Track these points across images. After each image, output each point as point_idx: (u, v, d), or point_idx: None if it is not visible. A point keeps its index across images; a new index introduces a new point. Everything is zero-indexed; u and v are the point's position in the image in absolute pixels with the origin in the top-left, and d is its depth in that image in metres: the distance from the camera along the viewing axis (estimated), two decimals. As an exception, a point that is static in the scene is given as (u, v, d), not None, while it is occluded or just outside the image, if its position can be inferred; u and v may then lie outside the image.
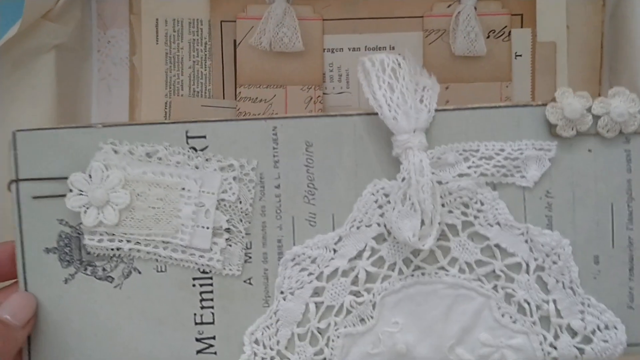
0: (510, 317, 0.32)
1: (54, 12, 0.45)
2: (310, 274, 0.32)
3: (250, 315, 0.32)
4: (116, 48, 0.52)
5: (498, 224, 0.32)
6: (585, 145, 0.32)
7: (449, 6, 0.41)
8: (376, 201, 0.32)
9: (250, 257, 0.32)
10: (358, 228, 0.32)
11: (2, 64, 0.40)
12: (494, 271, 0.32)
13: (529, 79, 0.42)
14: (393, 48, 0.41)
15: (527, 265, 0.32)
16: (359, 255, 0.32)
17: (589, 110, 0.31)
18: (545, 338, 0.32)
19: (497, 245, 0.32)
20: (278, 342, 0.32)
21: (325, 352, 0.32)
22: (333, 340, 0.32)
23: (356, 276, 0.32)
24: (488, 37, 0.41)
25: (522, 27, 0.42)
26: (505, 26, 0.42)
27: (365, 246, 0.32)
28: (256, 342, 0.32)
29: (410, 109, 0.31)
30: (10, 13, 0.38)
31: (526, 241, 0.32)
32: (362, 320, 0.32)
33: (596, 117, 0.31)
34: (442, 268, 0.32)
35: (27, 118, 0.39)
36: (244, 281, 0.32)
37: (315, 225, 0.32)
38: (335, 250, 0.32)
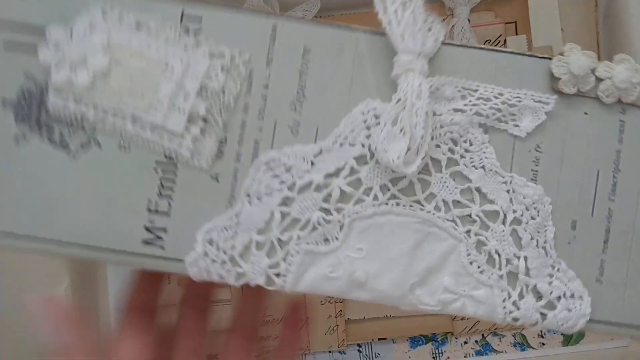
0: (478, 267, 0.31)
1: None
2: (282, 182, 0.30)
3: (209, 214, 0.30)
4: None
5: (483, 167, 0.31)
6: (582, 107, 0.31)
7: (442, 20, 0.41)
8: (365, 121, 0.31)
9: (222, 153, 0.30)
10: (341, 145, 0.31)
11: None
12: (470, 215, 0.31)
13: None
14: None
15: (505, 215, 0.31)
16: (336, 173, 0.30)
17: (593, 71, 0.31)
18: (509, 295, 0.31)
19: (478, 189, 0.31)
20: (233, 247, 0.30)
21: (281, 267, 0.30)
22: (292, 255, 0.30)
23: (329, 194, 0.30)
24: None
25: (516, 34, 0.43)
26: (500, 35, 0.43)
27: (345, 164, 0.30)
28: (210, 242, 0.30)
29: (419, 31, 0.30)
30: None
31: (508, 191, 0.31)
32: (326, 240, 0.30)
33: (598, 80, 0.31)
34: (418, 202, 0.31)
35: None
36: (211, 176, 0.30)
37: (297, 134, 0.31)
38: (313, 163, 0.30)
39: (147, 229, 0.30)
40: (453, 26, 0.41)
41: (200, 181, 0.30)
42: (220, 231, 0.30)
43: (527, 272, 0.31)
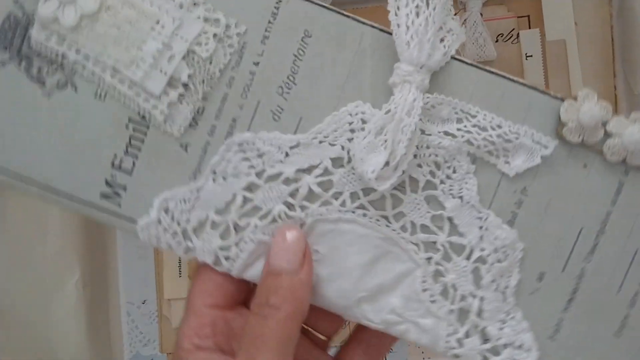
0: (431, 296, 0.30)
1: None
2: (251, 166, 0.29)
3: (171, 182, 0.29)
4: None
5: (461, 198, 0.29)
6: (583, 159, 0.29)
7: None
8: (350, 123, 0.29)
9: (196, 123, 0.29)
10: (320, 142, 0.29)
11: None
12: (435, 243, 0.29)
13: (542, 79, 0.42)
14: None
15: (471, 252, 0.29)
16: (308, 170, 0.29)
17: (604, 124, 0.29)
18: (455, 331, 0.30)
19: (450, 219, 0.29)
20: (188, 220, 0.29)
21: (231, 251, 0.29)
22: (245, 242, 0.29)
23: (297, 189, 0.29)
24: (497, 41, 0.42)
25: (529, 28, 0.43)
26: (513, 29, 0.42)
27: (320, 163, 0.29)
28: (166, 210, 0.29)
29: (428, 41, 0.28)
30: None
31: (481, 227, 0.29)
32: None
33: (607, 135, 0.29)
34: (386, 218, 0.29)
35: None
36: (180, 145, 0.29)
37: (278, 120, 0.29)
38: (287, 155, 0.29)
39: (107, 183, 0.29)
40: (465, 20, 0.40)
41: (168, 147, 0.29)
42: (178, 202, 0.29)
43: (480, 313, 0.30)
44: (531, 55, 0.43)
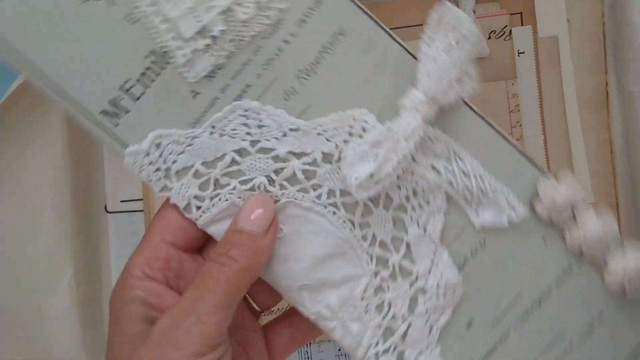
0: (367, 305, 0.31)
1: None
2: (248, 133, 0.30)
3: (171, 122, 0.30)
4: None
5: (424, 229, 0.31)
6: (544, 232, 0.31)
7: None
8: (351, 126, 0.30)
9: (212, 77, 0.30)
10: (318, 134, 0.30)
11: (10, 115, 0.38)
12: (387, 260, 0.31)
13: (534, 75, 0.43)
14: None
15: (416, 279, 0.31)
16: (299, 155, 0.31)
17: (573, 209, 0.30)
18: (376, 344, 0.32)
19: (408, 244, 0.31)
20: (175, 162, 0.30)
21: (204, 202, 0.31)
22: (220, 200, 0.31)
23: (282, 168, 0.31)
24: (489, 38, 0.42)
25: (522, 25, 0.43)
26: (506, 26, 0.43)
27: (311, 153, 0.31)
28: (158, 145, 0.30)
29: (447, 81, 0.29)
30: None
31: (432, 261, 0.31)
32: None
33: (574, 219, 0.31)
34: (352, 222, 0.31)
35: (44, 163, 0.39)
36: (192, 91, 0.30)
37: (287, 100, 0.30)
38: (285, 135, 0.30)
39: (112, 102, 0.30)
40: None
41: (179, 89, 0.30)
42: (171, 142, 0.30)
43: (403, 337, 0.32)
44: (523, 52, 0.43)
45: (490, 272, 0.31)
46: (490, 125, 0.31)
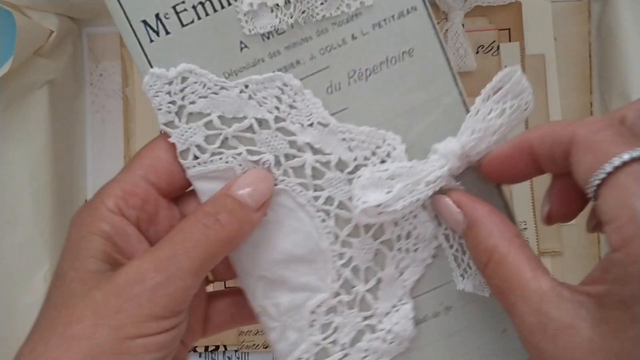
0: (313, 320, 0.30)
1: (45, 48, 0.45)
2: (277, 108, 0.29)
3: (207, 63, 0.28)
4: (109, 81, 0.53)
5: (401, 273, 0.30)
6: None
7: (437, 23, 0.41)
8: (378, 147, 0.29)
9: (267, 39, 0.28)
10: (343, 140, 0.29)
11: None
12: (354, 287, 0.30)
13: None
14: None
15: (371, 316, 0.31)
16: (315, 152, 0.29)
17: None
18: None
19: (379, 280, 0.30)
20: (192, 103, 0.28)
21: (204, 156, 0.29)
22: (220, 159, 0.29)
23: (294, 156, 0.29)
24: (477, 52, 0.42)
25: (510, 41, 0.44)
26: (494, 41, 0.43)
27: (328, 154, 0.29)
28: (183, 80, 0.28)
29: (486, 142, 0.28)
30: (2, 51, 0.36)
31: (394, 306, 0.31)
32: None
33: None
34: (336, 236, 0.30)
35: (23, 155, 0.38)
36: (241, 42, 0.28)
37: (329, 94, 0.29)
38: (311, 125, 0.29)
39: (158, 16, 0.28)
40: (447, 30, 0.41)
41: (230, 35, 0.28)
42: (198, 82, 0.28)
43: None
44: None
45: (443, 338, 0.31)
46: (502, 198, 0.30)
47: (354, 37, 0.29)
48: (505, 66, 0.40)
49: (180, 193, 0.30)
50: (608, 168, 0.23)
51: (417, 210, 0.30)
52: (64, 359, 0.25)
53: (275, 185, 0.29)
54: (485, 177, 0.29)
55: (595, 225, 0.28)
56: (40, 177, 0.46)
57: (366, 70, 0.29)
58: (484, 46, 0.42)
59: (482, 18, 0.42)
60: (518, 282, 0.25)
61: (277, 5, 0.28)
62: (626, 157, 0.23)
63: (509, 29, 0.43)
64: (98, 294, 0.26)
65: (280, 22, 0.28)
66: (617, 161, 0.23)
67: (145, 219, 0.29)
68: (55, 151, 0.46)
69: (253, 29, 0.28)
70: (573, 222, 0.29)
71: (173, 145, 0.29)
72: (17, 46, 0.33)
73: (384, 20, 0.29)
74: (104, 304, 0.25)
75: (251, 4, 0.28)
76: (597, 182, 0.23)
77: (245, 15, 0.28)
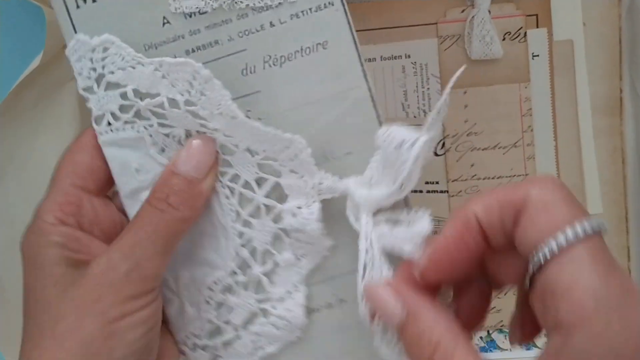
0: (209, 297, 0.31)
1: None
2: (188, 92, 0.29)
3: (128, 36, 0.29)
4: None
5: (299, 260, 0.31)
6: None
7: (462, 11, 0.41)
8: (286, 147, 0.30)
9: (189, 17, 0.29)
10: (253, 134, 0.29)
11: (26, 95, 0.38)
12: (250, 267, 0.31)
13: (548, 79, 0.42)
14: (408, 56, 0.41)
15: (266, 300, 0.31)
16: (228, 136, 0.30)
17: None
18: (199, 337, 0.32)
19: (276, 264, 0.31)
20: (112, 73, 0.29)
21: (117, 123, 0.30)
22: (132, 128, 0.30)
23: (206, 133, 0.30)
24: (504, 39, 0.41)
25: (537, 27, 0.42)
26: (521, 27, 0.41)
27: (239, 142, 0.30)
28: (105, 49, 0.29)
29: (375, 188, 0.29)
30: (32, 45, 0.37)
31: (288, 292, 0.31)
32: (163, 150, 0.30)
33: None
34: (238, 214, 0.30)
35: (54, 148, 0.37)
36: (164, 17, 0.29)
37: (244, 75, 0.30)
38: (221, 114, 0.29)
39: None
40: (473, 17, 0.40)
41: (154, 10, 0.29)
42: (118, 53, 0.29)
43: (226, 345, 0.31)
44: (538, 55, 0.42)
45: (334, 332, 0.31)
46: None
47: (272, 25, 0.30)
48: (533, 53, 0.41)
49: (109, 188, 0.32)
50: (569, 234, 0.22)
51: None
52: (60, 356, 0.27)
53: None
54: (428, 278, 0.26)
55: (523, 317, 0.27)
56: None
57: (281, 57, 0.30)
58: (510, 33, 0.41)
59: (509, 4, 0.41)
60: None
61: (203, -15, 0.29)
62: (587, 225, 0.22)
63: (537, 15, 0.41)
64: (75, 291, 0.27)
65: (205, 5, 0.29)
66: (579, 228, 0.22)
67: (87, 221, 0.30)
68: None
69: (179, 8, 0.29)
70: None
71: (86, 145, 0.30)
72: (47, 39, 0.34)
73: (302, 11, 0.30)
74: (82, 297, 0.27)
75: (180, -16, 0.29)
76: (550, 248, 0.23)
77: (174, -6, 0.29)
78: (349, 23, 0.30)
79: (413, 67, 0.40)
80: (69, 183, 0.30)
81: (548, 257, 0.22)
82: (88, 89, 0.30)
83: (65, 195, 0.30)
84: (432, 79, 0.40)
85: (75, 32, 0.30)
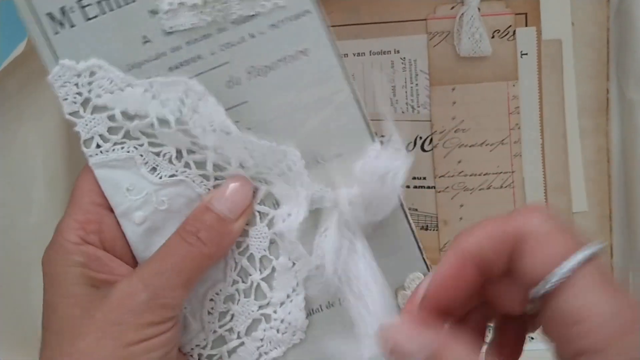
0: (212, 308, 0.31)
1: (57, 29, 0.46)
2: (180, 111, 0.30)
3: (112, 57, 0.30)
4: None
5: (293, 264, 0.32)
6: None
7: (452, 8, 0.41)
8: (279, 160, 0.31)
9: (169, 35, 0.30)
10: (246, 148, 0.30)
11: (9, 83, 0.38)
12: (249, 276, 0.31)
13: (536, 78, 0.42)
14: (397, 52, 0.41)
15: (267, 305, 0.32)
16: (220, 154, 0.30)
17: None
18: (204, 348, 0.32)
19: (274, 269, 0.31)
20: (98, 97, 0.30)
21: (106, 144, 0.30)
22: (122, 149, 0.30)
23: (196, 152, 0.30)
24: (493, 37, 0.41)
25: (526, 25, 0.42)
26: (510, 25, 0.42)
27: (231, 158, 0.30)
28: (92, 74, 0.30)
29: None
30: (15, 32, 0.35)
31: (288, 296, 0.31)
32: (154, 169, 0.31)
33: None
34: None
35: (37, 134, 0.37)
36: (144, 36, 0.30)
37: (229, 88, 0.30)
38: (214, 131, 0.30)
39: (62, 10, 0.29)
40: (463, 14, 0.40)
41: (134, 29, 0.30)
42: (106, 76, 0.30)
43: (230, 353, 0.32)
44: (526, 54, 0.42)
45: (335, 329, 0.31)
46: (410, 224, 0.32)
47: (252, 36, 0.30)
48: (522, 51, 0.41)
49: None
50: (576, 262, 0.23)
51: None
52: None
53: (175, 176, 0.31)
54: (427, 316, 0.26)
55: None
56: (54, 157, 0.45)
57: (265, 67, 0.30)
58: (499, 30, 0.41)
59: (499, 2, 0.41)
60: None
61: (196, 4, 0.29)
62: (587, 252, 0.23)
63: (526, 14, 0.42)
64: (97, 313, 0.28)
65: (199, 21, 0.30)
66: (580, 256, 0.23)
67: (108, 239, 0.30)
68: (69, 132, 0.46)
69: (166, 25, 0.30)
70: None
71: None
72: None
73: (280, 21, 0.30)
74: (103, 319, 0.28)
75: (171, 3, 0.29)
76: (557, 279, 0.23)
77: (165, 13, 0.29)
78: (326, 29, 0.30)
79: (402, 63, 0.41)
80: (89, 201, 0.30)
81: (557, 285, 0.23)
82: (74, 114, 0.30)
83: (86, 214, 0.30)
84: (420, 74, 0.41)
85: (57, 57, 0.30)
